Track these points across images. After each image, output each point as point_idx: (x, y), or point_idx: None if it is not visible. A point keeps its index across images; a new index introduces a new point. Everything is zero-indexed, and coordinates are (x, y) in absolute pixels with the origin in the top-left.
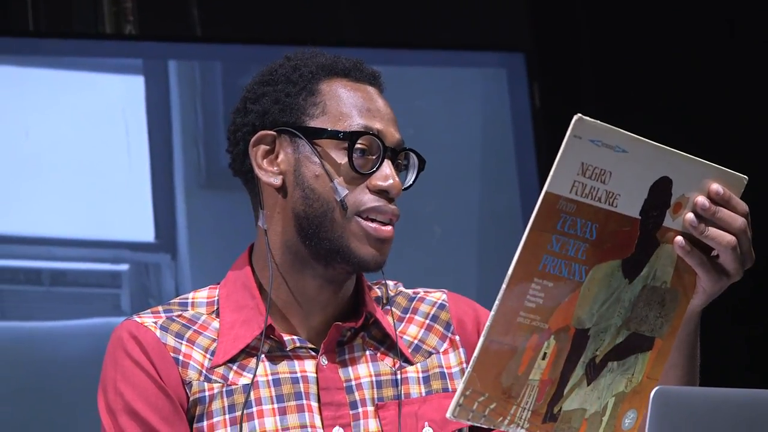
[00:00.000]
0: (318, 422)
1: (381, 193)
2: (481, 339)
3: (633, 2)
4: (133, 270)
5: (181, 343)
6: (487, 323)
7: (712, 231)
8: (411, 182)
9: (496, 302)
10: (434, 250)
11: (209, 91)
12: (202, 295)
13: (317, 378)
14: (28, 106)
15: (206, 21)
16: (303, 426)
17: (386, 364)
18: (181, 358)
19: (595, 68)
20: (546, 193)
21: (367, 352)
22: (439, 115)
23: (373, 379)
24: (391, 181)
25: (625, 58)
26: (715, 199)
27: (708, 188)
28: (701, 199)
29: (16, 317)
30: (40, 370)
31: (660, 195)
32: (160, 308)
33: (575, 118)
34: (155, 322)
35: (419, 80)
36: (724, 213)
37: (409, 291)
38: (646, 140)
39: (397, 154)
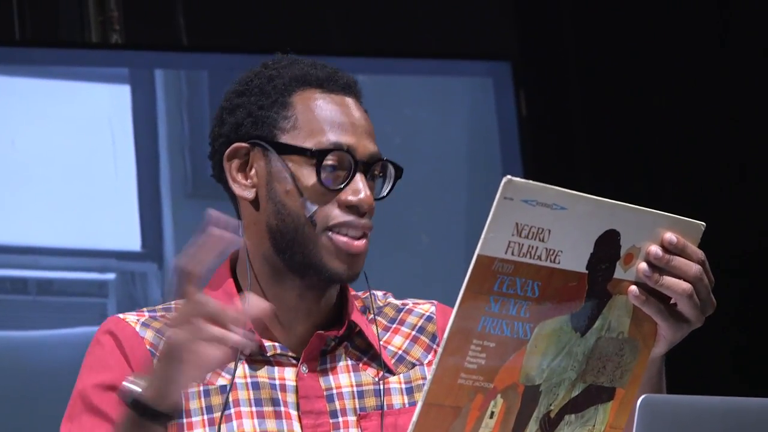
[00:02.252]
0: (297, 430)
1: (351, 208)
2: (420, 402)
3: (619, 11)
4: (120, 279)
5: (161, 339)
6: (425, 387)
7: (667, 280)
8: (386, 193)
9: (433, 366)
10: (422, 259)
11: (196, 100)
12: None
13: (296, 386)
14: (13, 115)
15: (192, 30)
16: None
17: (368, 374)
18: (157, 352)
19: (581, 77)
20: (478, 256)
21: (350, 362)
22: (426, 124)
23: (355, 389)
24: (361, 196)
25: (611, 66)
26: (669, 248)
27: (661, 237)
28: (654, 249)
29: (3, 326)
30: (27, 379)
31: (607, 248)
32: (144, 309)
33: (504, 180)
34: (137, 319)
35: (406, 89)
36: (678, 261)
37: (398, 302)
38: (587, 195)
39: (370, 167)
